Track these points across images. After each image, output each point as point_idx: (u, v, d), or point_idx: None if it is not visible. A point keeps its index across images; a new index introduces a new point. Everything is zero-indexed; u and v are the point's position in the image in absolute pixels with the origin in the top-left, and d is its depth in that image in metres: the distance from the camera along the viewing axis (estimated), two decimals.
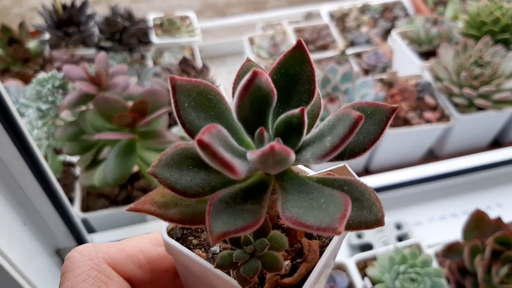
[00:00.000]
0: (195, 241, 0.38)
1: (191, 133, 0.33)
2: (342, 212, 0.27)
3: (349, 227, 0.31)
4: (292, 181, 0.32)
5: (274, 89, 0.31)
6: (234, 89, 0.34)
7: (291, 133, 0.31)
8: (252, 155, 0.28)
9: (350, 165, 0.41)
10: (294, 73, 0.34)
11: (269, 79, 0.31)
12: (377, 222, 0.32)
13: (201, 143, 0.27)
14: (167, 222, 0.34)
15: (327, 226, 0.26)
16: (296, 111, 0.30)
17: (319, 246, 0.37)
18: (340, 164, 0.40)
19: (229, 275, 0.35)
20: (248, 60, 0.37)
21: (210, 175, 0.32)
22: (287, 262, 0.37)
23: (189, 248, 0.37)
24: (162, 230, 0.38)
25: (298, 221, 0.27)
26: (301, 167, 0.41)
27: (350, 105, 0.33)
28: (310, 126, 0.35)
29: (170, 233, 0.39)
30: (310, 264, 0.36)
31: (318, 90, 0.36)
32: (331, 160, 0.32)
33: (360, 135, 0.32)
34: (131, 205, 0.34)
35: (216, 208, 0.29)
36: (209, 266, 0.35)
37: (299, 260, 0.37)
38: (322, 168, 0.40)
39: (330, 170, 0.41)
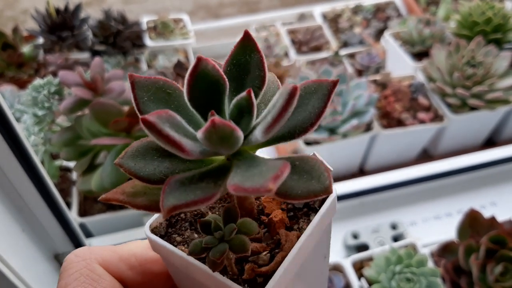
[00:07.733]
0: (178, 238, 0.39)
1: None
2: (275, 173, 0.29)
3: (298, 197, 0.33)
4: (246, 159, 0.34)
5: (224, 76, 0.34)
6: None
7: (242, 115, 0.33)
8: (199, 133, 0.30)
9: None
10: (245, 62, 0.36)
11: (217, 66, 0.33)
12: (325, 189, 0.33)
13: (145, 122, 0.28)
14: (134, 209, 0.35)
15: (260, 186, 0.28)
16: (244, 93, 0.32)
17: (297, 237, 0.38)
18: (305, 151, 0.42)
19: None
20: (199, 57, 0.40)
21: (174, 164, 0.35)
22: (266, 253, 0.38)
23: (173, 245, 0.38)
24: (146, 228, 0.39)
25: (239, 187, 0.29)
26: None
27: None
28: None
29: (154, 231, 0.40)
30: (286, 252, 0.37)
31: (275, 77, 0.39)
32: (283, 140, 0.35)
33: (307, 111, 0.34)
34: (103, 196, 0.36)
35: (170, 187, 0.31)
36: (184, 255, 0.36)
37: (277, 251, 0.38)
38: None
39: None
